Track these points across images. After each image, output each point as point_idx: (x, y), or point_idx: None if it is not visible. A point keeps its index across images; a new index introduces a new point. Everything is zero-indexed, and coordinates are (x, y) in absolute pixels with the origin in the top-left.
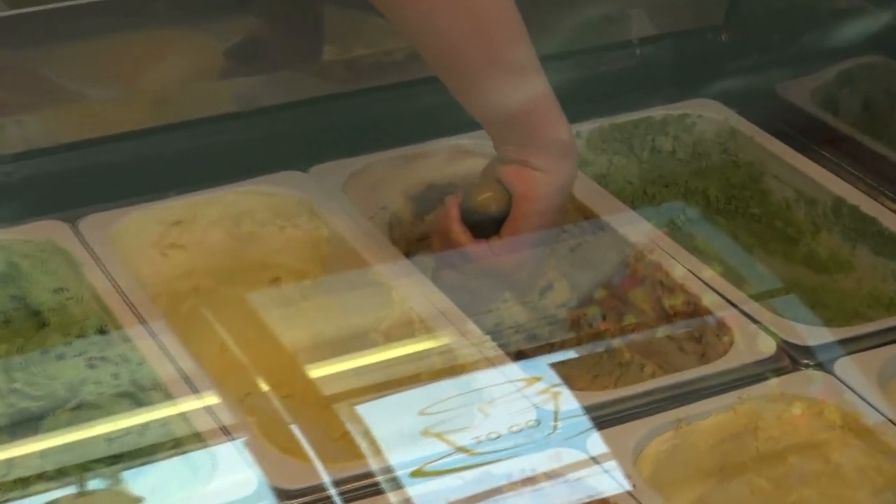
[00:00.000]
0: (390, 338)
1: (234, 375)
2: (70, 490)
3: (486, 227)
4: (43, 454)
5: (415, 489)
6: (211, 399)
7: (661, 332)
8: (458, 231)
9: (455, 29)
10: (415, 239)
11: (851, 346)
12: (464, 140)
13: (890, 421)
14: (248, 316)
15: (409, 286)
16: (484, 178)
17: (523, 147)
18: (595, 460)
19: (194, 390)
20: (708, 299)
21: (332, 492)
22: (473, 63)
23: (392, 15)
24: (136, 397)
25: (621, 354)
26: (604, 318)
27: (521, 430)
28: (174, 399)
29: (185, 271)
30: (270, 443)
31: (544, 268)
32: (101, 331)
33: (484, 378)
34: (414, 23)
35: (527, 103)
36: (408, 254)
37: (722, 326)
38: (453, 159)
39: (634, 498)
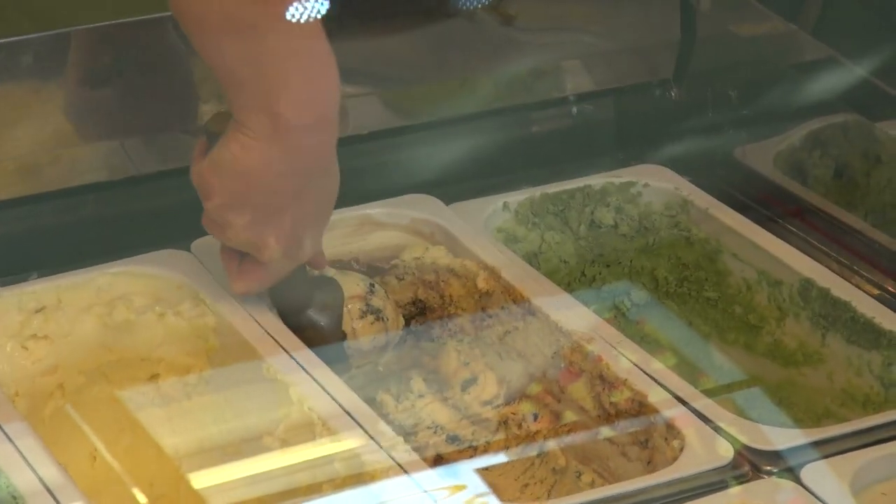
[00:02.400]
0: (287, 442)
1: (108, 488)
2: None
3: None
4: None
5: None
6: None
7: (602, 434)
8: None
9: None
10: None
11: (822, 449)
12: (372, 210)
13: None
14: (124, 418)
15: (309, 382)
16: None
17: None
18: None
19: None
20: (656, 396)
21: None
22: None
23: None
24: None
25: (556, 459)
26: (536, 417)
27: None
28: None
29: (49, 367)
30: None
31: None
32: None
33: (397, 488)
34: None
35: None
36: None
37: (671, 428)
38: (360, 231)
39: None
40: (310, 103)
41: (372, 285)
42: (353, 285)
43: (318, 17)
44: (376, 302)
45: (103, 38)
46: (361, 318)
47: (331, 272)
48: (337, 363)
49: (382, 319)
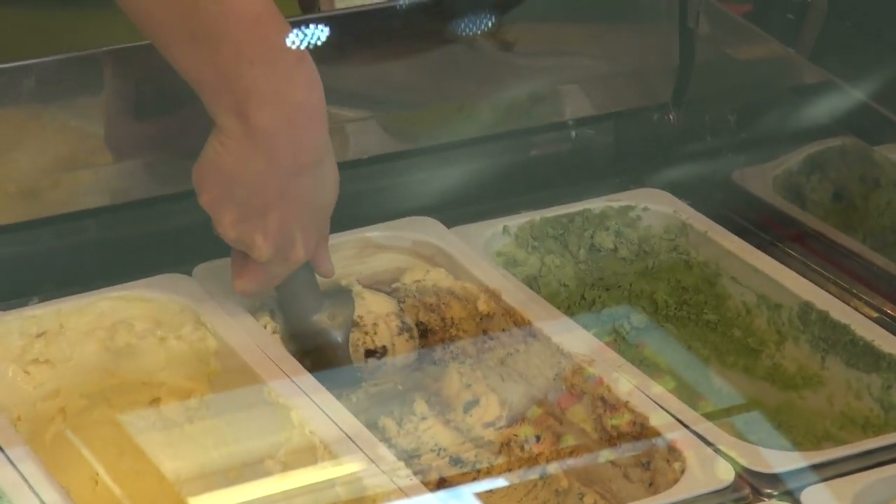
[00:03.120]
0: (289, 466)
1: None
2: None
3: None
4: None
5: None
6: None
7: (604, 456)
8: None
9: None
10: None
11: (822, 472)
12: (373, 233)
13: None
14: (125, 442)
15: (311, 406)
16: None
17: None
18: None
19: None
20: (657, 419)
21: None
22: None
23: None
24: None
25: (558, 481)
26: (538, 439)
27: None
28: None
29: (51, 391)
30: None
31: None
32: None
33: None
34: None
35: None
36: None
37: (673, 450)
38: (361, 254)
39: None
40: (279, 106)
41: (401, 303)
42: (384, 303)
43: (282, 19)
44: (407, 319)
45: (107, 62)
46: (399, 334)
47: (356, 288)
48: (345, 379)
49: (413, 338)
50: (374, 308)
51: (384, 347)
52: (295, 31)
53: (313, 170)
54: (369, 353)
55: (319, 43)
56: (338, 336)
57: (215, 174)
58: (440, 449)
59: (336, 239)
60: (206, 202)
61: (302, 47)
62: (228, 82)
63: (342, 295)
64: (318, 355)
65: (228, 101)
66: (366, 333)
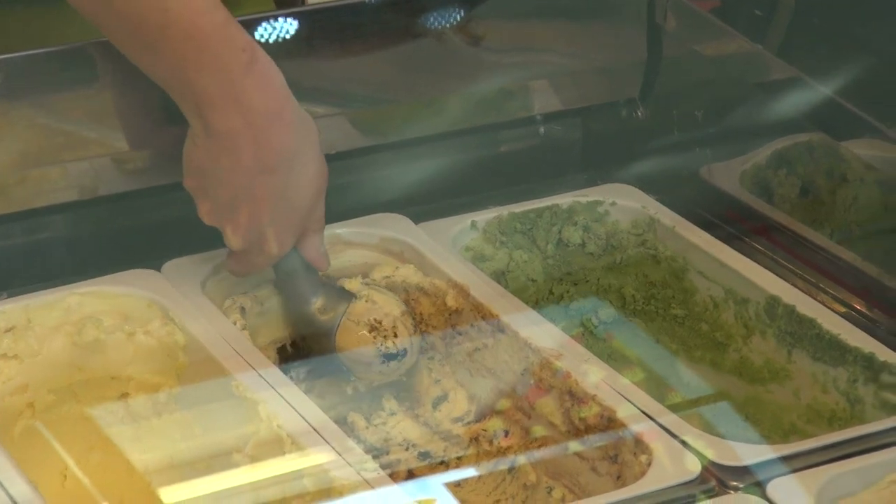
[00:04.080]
0: (257, 459)
1: None
2: None
3: None
4: None
5: None
6: None
7: (572, 449)
8: None
9: None
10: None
11: (788, 465)
12: (342, 229)
13: None
14: (94, 436)
15: (278, 399)
16: None
17: None
18: None
19: None
20: (624, 412)
21: None
22: None
23: None
24: None
25: (526, 475)
26: (507, 433)
27: None
28: None
29: (19, 385)
30: None
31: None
32: None
33: (366, 503)
34: None
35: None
36: (279, 360)
37: (640, 443)
38: (331, 250)
39: None
40: (234, 110)
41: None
42: (396, 304)
43: (229, 25)
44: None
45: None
46: (413, 334)
47: (365, 292)
48: (335, 373)
49: (420, 334)
50: (388, 310)
51: (405, 350)
52: (261, 27)
53: (282, 169)
54: (391, 357)
55: (288, 39)
56: (324, 328)
57: (188, 167)
58: (409, 444)
59: None
60: (187, 185)
61: (260, 48)
62: (183, 87)
63: (342, 292)
64: (306, 343)
65: (188, 105)
66: (385, 337)
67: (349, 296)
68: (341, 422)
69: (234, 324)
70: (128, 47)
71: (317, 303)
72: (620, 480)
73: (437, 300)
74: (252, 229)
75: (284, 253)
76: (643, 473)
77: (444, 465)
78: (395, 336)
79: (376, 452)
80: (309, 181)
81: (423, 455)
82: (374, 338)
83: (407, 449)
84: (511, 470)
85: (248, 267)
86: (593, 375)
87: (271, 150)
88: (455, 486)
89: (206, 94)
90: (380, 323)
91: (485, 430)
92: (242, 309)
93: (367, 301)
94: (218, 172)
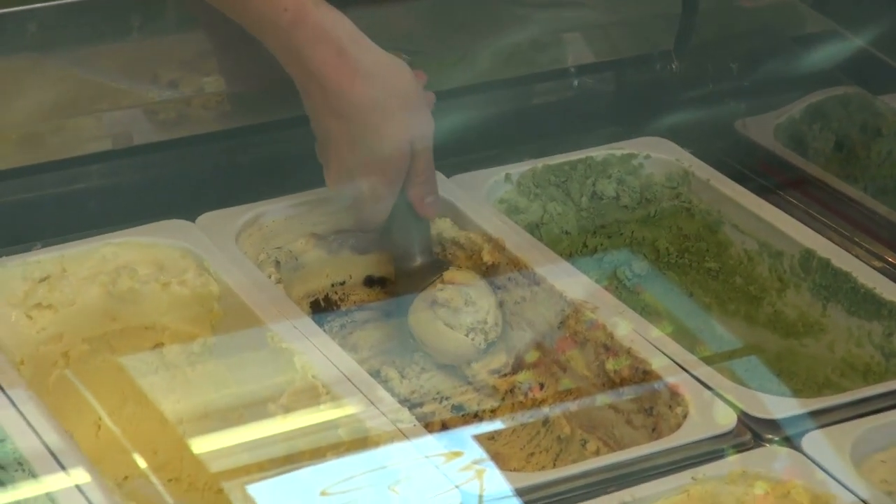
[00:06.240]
0: (291, 409)
1: (111, 455)
2: None
3: None
4: None
5: None
6: (84, 480)
7: (606, 401)
8: None
9: None
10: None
11: (822, 418)
12: None
13: (864, 503)
14: (128, 386)
15: (312, 349)
16: None
17: None
18: None
19: (64, 469)
20: (658, 364)
21: None
22: None
23: None
24: None
25: (561, 428)
26: (542, 386)
27: None
28: (40, 478)
29: (54, 335)
30: None
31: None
32: None
33: (400, 453)
34: None
35: None
36: (312, 314)
37: (675, 396)
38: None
39: None
40: (294, 61)
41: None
42: (489, 294)
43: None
44: None
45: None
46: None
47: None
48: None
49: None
50: (484, 304)
51: (497, 337)
52: None
53: (357, 116)
54: (489, 346)
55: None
56: (411, 282)
57: (307, 110)
58: (442, 396)
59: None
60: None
61: (316, 3)
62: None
63: (435, 261)
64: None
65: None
66: (486, 333)
67: (444, 264)
68: (374, 374)
69: (269, 277)
70: None
71: (416, 261)
72: (656, 433)
73: (472, 254)
74: (341, 172)
75: (383, 201)
76: (679, 426)
77: (477, 418)
78: (496, 330)
79: (410, 405)
80: (395, 130)
81: (457, 408)
82: (472, 339)
83: (441, 402)
84: (545, 423)
85: (359, 219)
86: (626, 327)
87: (339, 97)
88: (488, 439)
89: (269, 48)
90: (484, 323)
91: (520, 383)
92: (277, 262)
93: (466, 304)
94: (321, 118)
